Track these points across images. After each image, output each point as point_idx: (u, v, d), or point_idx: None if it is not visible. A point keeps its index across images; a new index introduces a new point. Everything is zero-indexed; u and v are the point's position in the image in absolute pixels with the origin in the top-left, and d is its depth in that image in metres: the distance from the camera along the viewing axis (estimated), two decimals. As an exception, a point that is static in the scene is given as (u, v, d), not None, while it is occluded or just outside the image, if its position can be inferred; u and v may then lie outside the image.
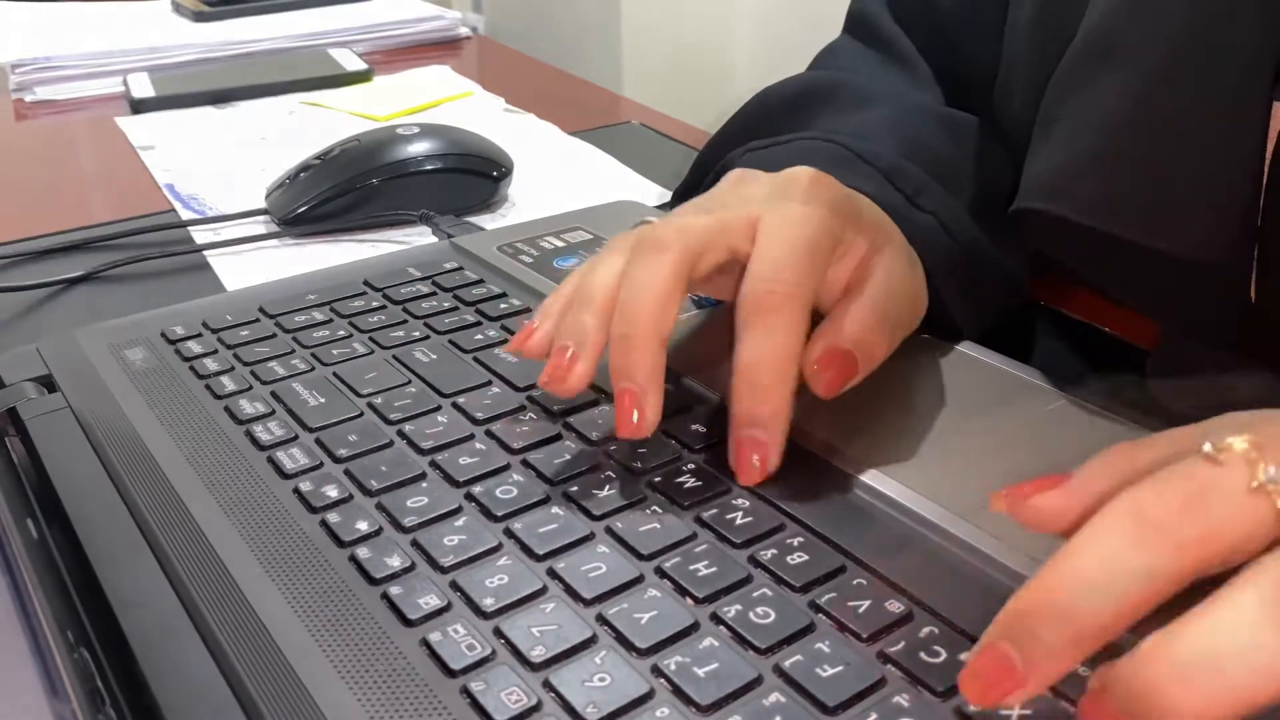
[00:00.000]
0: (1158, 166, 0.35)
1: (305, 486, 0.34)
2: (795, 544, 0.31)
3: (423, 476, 0.35)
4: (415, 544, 0.31)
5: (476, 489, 0.34)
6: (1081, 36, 0.38)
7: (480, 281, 0.48)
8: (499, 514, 0.32)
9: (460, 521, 0.32)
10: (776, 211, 0.35)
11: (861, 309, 0.35)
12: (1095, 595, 0.23)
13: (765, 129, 0.46)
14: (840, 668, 0.27)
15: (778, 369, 0.33)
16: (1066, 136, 0.38)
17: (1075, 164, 0.37)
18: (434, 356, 0.42)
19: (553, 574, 0.30)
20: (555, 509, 0.33)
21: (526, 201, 0.67)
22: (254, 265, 0.59)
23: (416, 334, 0.44)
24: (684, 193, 0.53)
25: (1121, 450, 0.27)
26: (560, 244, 0.52)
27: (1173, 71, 0.34)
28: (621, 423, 0.33)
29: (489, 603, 0.29)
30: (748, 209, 0.36)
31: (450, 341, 0.43)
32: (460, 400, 0.39)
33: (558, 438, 0.36)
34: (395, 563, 0.31)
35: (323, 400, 0.39)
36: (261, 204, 0.65)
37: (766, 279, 0.34)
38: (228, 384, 0.40)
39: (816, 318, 0.35)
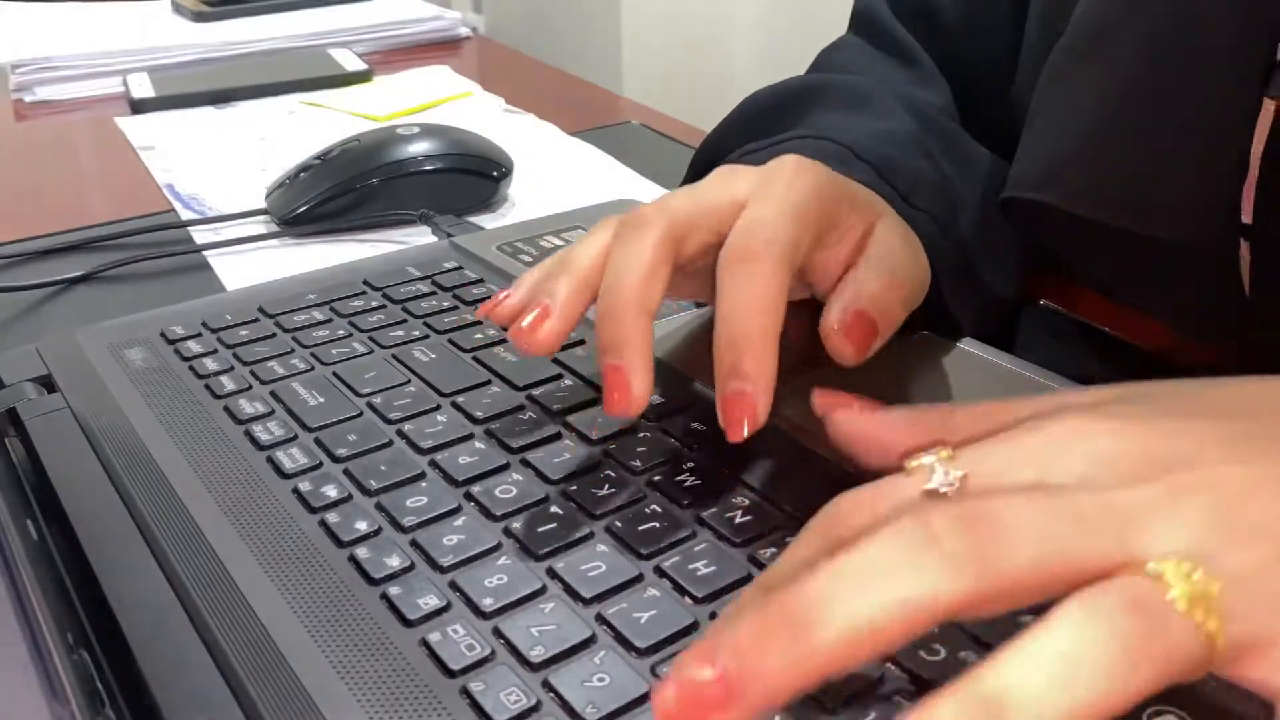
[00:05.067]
0: (1143, 155, 0.35)
1: (304, 486, 0.34)
2: (795, 543, 0.31)
3: (422, 476, 0.35)
4: (414, 544, 0.31)
5: (476, 489, 0.34)
6: (1070, 28, 0.38)
7: (480, 281, 0.48)
8: (498, 514, 0.32)
9: (459, 521, 0.32)
10: (763, 188, 0.35)
11: (870, 270, 0.35)
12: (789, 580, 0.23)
13: (758, 128, 0.45)
14: (840, 667, 0.27)
15: (760, 316, 0.31)
16: (1055, 126, 0.38)
17: (1063, 153, 0.37)
18: (433, 356, 0.42)
19: (552, 573, 0.30)
20: (554, 508, 0.33)
21: (526, 201, 0.67)
22: (254, 265, 0.59)
23: (416, 333, 0.44)
24: None
25: (937, 412, 0.28)
26: (560, 243, 0.52)
27: (1158, 62, 0.34)
28: (609, 399, 0.32)
29: (488, 603, 0.29)
30: (733, 192, 0.35)
31: (450, 341, 0.43)
32: (460, 400, 0.39)
33: (557, 437, 0.36)
34: (394, 563, 0.31)
35: (322, 400, 0.39)
36: (261, 204, 0.65)
37: (748, 232, 0.33)
38: (227, 384, 0.40)
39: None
